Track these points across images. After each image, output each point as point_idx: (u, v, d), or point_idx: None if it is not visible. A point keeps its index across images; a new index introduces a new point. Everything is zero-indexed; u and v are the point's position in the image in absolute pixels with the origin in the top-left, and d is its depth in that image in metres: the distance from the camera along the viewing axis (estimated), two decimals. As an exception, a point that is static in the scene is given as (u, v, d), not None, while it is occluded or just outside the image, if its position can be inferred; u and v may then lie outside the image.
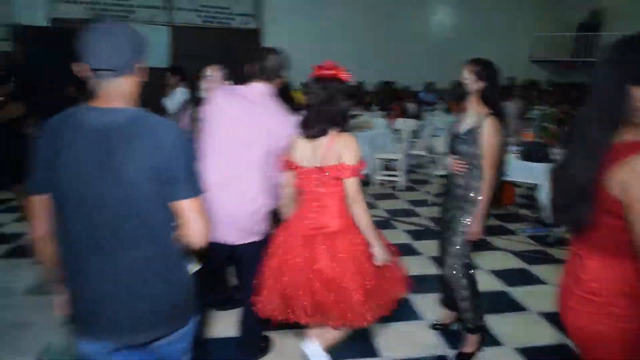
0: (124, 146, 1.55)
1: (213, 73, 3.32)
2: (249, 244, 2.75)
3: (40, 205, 1.67)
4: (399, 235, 5.39)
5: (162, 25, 11.35)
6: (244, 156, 2.65)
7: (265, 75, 2.72)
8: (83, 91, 5.28)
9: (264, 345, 3.22)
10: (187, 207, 1.63)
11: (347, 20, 12.82)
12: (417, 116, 9.43)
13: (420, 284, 4.04)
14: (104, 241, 1.60)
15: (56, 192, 1.61)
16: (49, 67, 7.78)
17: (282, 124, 2.63)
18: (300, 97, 6.72)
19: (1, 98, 4.89)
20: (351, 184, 2.37)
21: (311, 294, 2.38)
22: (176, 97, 6.05)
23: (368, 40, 13.01)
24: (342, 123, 2.42)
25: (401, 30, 13.45)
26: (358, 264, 2.39)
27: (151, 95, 3.95)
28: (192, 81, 6.30)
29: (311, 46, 11.32)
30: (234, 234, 2.71)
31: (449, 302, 3.40)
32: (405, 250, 4.92)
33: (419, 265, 4.55)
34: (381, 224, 5.74)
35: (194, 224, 1.65)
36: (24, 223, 5.25)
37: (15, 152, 4.94)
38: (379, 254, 2.40)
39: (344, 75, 2.41)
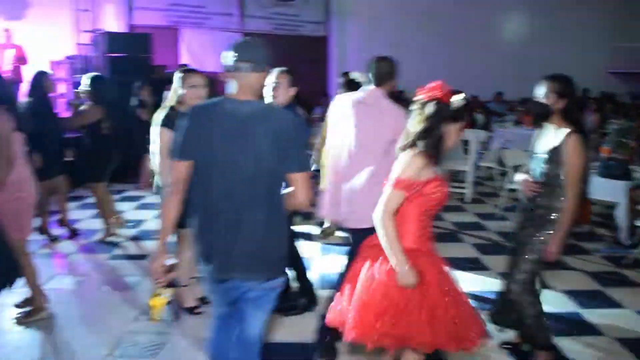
0: (257, 129, 2.06)
1: (278, 80, 3.45)
2: (362, 229, 2.91)
3: (183, 169, 2.14)
4: (466, 249, 5.28)
5: (234, 32, 11.65)
6: (362, 151, 3.06)
7: (377, 80, 3.17)
8: (155, 93, 5.61)
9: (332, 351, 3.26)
10: (297, 178, 2.13)
11: (415, 28, 12.70)
12: (485, 127, 9.23)
13: (488, 300, 3.95)
14: (236, 199, 2.10)
15: (203, 159, 2.10)
16: (125, 71, 8.17)
17: (397, 122, 2.87)
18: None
19: (82, 102, 5.16)
20: (384, 194, 2.32)
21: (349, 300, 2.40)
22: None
23: (436, 48, 12.83)
24: (431, 146, 2.31)
25: (470, 39, 13.18)
26: (386, 283, 2.32)
27: (214, 96, 4.09)
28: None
29: (379, 53, 11.31)
30: (349, 217, 3.13)
31: (499, 318, 3.28)
32: (473, 264, 4.82)
33: (487, 281, 4.44)
34: (447, 237, 5.65)
35: (300, 191, 2.14)
36: (100, 220, 5.53)
37: (94, 153, 5.21)
38: (399, 276, 2.27)
39: (446, 97, 2.32)
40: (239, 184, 2.09)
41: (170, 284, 2.26)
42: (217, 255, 2.16)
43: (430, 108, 2.31)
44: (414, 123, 2.36)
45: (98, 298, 4.11)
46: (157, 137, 3.47)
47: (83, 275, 4.54)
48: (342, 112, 3.24)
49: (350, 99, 3.24)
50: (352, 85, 4.15)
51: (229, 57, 2.11)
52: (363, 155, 3.06)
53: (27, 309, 3.65)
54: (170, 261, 2.24)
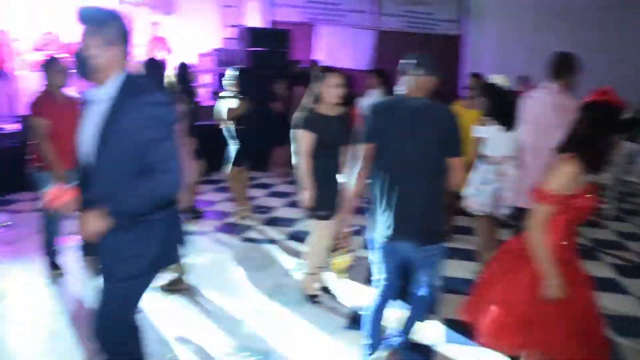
0: (427, 121, 2.55)
1: None
2: None
3: (367, 151, 2.67)
4: (603, 269, 4.92)
5: (369, 29, 11.76)
6: (547, 136, 3.37)
7: (551, 75, 3.68)
8: (289, 88, 5.82)
9: None
10: (455, 163, 2.58)
11: (554, 28, 11.82)
12: (633, 138, 8.48)
13: (627, 326, 3.67)
14: (407, 178, 2.56)
15: (384, 144, 2.61)
16: (265, 65, 8.58)
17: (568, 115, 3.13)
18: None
19: (236, 95, 5.49)
20: (534, 209, 2.26)
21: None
22: (371, 98, 6.25)
23: (576, 50, 11.80)
24: (594, 153, 2.21)
25: (615, 40, 12.06)
26: (527, 293, 2.28)
27: (348, 94, 4.17)
28: (390, 84, 6.51)
29: (519, 55, 10.82)
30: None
31: None
32: (610, 286, 4.49)
33: (626, 305, 4.11)
34: (584, 254, 5.29)
35: (456, 174, 2.59)
36: (232, 203, 5.91)
37: (240, 142, 5.54)
38: (547, 289, 2.23)
39: (618, 105, 2.23)
40: (411, 165, 2.55)
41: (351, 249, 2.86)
42: (392, 221, 2.61)
43: (601, 113, 2.21)
44: (580, 126, 2.26)
45: (231, 276, 4.40)
46: (298, 139, 3.57)
47: (217, 254, 4.88)
48: (527, 110, 3.74)
49: (536, 94, 3.78)
50: (489, 90, 4.03)
51: (409, 64, 2.63)
52: (538, 149, 3.46)
53: (172, 279, 3.99)
54: (353, 228, 2.73)
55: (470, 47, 12.48)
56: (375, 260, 2.87)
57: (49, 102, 4.02)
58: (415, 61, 2.62)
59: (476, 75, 6.35)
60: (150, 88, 2.08)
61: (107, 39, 2.02)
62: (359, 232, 2.86)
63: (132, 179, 2.03)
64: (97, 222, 1.99)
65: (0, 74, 7.86)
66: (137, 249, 2.13)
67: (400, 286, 3.12)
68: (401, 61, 2.69)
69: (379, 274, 2.87)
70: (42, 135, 3.95)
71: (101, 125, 2.04)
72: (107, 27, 2.02)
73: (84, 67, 2.05)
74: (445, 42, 12.39)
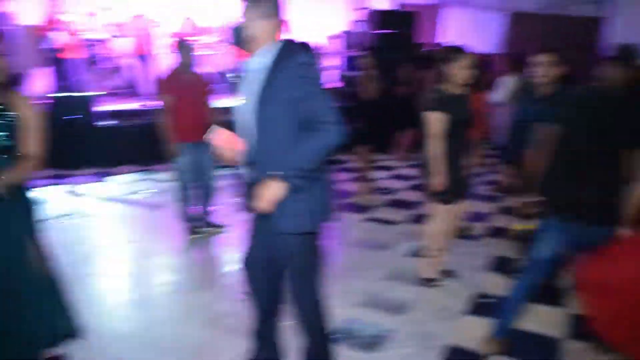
0: (614, 110, 2.59)
1: (544, 60, 3.33)
2: None
3: (552, 133, 2.76)
4: None
5: (499, 11, 11.26)
6: None
7: None
8: (416, 70, 5.73)
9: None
10: (636, 153, 2.56)
11: None
12: None
13: None
14: (591, 162, 2.62)
15: (571, 127, 2.68)
16: (390, 47, 8.56)
17: None
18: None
19: (369, 72, 5.57)
20: None
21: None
22: (505, 86, 6.02)
23: None
24: None
25: None
26: None
27: (478, 78, 4.05)
28: (523, 69, 6.21)
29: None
30: None
31: None
32: None
33: None
34: None
35: (637, 164, 2.56)
36: (357, 183, 6.03)
37: (364, 120, 5.62)
38: None
39: None
40: (594, 150, 2.61)
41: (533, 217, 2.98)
42: (569, 202, 2.70)
43: None
44: None
45: (350, 254, 4.53)
46: (427, 120, 3.50)
47: (337, 232, 5.02)
48: None
49: None
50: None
51: (611, 57, 2.69)
52: None
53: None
54: (534, 198, 2.87)
55: (611, 30, 11.50)
56: (536, 242, 2.86)
57: (175, 80, 4.39)
58: (616, 53, 2.72)
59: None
60: (302, 50, 2.25)
61: (264, 13, 2.24)
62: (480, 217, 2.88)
63: (294, 141, 2.19)
64: (276, 190, 2.18)
65: (142, 57, 8.65)
66: (302, 205, 2.29)
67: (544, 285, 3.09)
68: (607, 52, 2.80)
69: (534, 256, 2.87)
70: (165, 111, 4.34)
71: (260, 91, 2.22)
72: (265, 2, 2.24)
73: (242, 38, 2.27)
74: (584, 24, 11.51)
